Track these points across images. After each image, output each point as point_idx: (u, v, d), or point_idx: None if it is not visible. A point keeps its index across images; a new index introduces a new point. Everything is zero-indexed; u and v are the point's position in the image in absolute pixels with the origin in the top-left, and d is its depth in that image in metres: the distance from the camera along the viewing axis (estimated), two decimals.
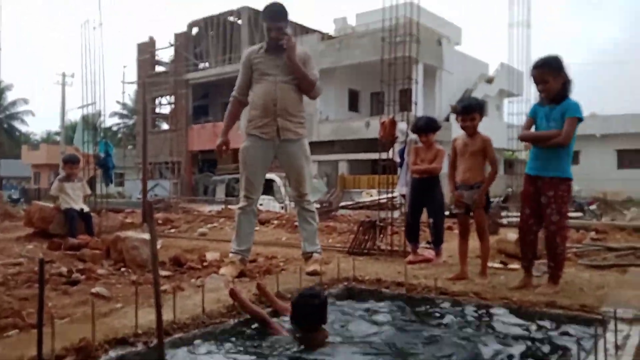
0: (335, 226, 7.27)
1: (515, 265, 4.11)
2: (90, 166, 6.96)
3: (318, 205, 10.95)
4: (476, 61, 28.20)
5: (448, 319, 2.96)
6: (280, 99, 3.97)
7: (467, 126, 3.80)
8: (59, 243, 4.80)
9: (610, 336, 2.29)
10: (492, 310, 3.05)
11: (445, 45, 24.53)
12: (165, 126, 33.20)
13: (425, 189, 4.34)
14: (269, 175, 16.63)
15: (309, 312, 2.49)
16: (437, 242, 4.37)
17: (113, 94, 52.18)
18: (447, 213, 4.78)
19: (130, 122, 46.56)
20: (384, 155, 5.14)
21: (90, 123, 7.17)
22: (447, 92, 24.02)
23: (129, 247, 4.37)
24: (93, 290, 3.25)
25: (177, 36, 30.94)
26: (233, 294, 2.89)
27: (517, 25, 17.07)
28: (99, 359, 2.14)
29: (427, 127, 4.34)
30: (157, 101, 32.60)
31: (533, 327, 2.77)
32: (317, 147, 23.05)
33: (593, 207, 18.91)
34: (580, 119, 3.30)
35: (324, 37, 26.41)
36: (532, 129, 3.52)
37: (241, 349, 2.42)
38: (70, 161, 6.17)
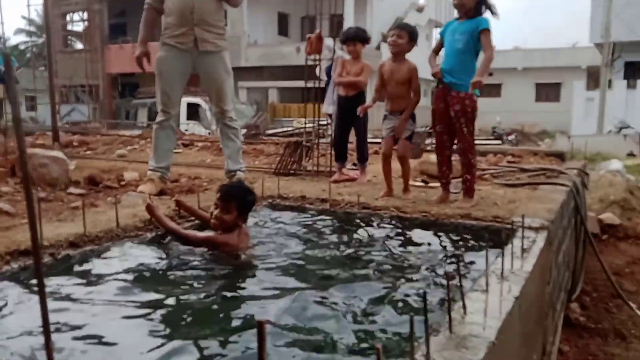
0: (262, 149, 7.15)
1: (435, 184, 4.24)
2: None
3: (244, 130, 10.73)
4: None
5: (368, 231, 3.02)
6: (197, 7, 3.70)
7: (394, 42, 3.73)
8: None
9: (517, 242, 2.41)
10: (411, 223, 3.14)
11: None
12: (79, 46, 30.70)
13: (351, 107, 4.30)
14: (194, 100, 16.12)
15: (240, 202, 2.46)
16: (361, 159, 4.39)
17: (17, 8, 47.10)
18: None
19: (40, 40, 42.62)
20: (312, 83, 4.98)
21: None
22: (378, 20, 23.77)
23: (36, 165, 4.06)
24: None
25: None
26: (149, 209, 2.77)
27: None
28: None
29: (355, 35, 4.23)
30: (68, 17, 29.85)
31: (448, 237, 2.89)
32: (246, 72, 22.35)
33: (511, 137, 20.00)
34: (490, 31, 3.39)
35: None
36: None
37: (156, 259, 2.34)
38: None
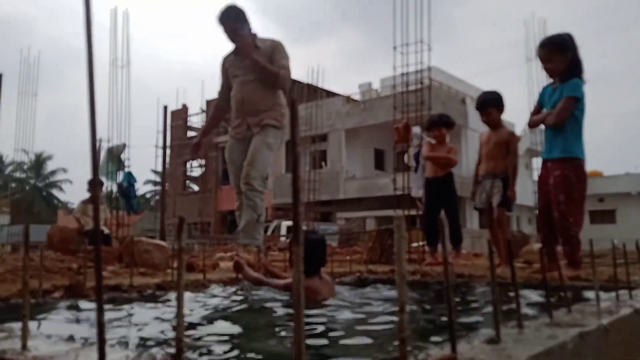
0: (355, 250, 7.10)
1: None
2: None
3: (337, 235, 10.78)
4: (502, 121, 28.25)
5: (459, 295, 2.78)
6: (246, 98, 4.00)
7: (486, 121, 3.82)
8: (75, 250, 4.81)
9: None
10: (508, 287, 2.86)
11: (469, 104, 24.80)
12: (197, 188, 33.84)
13: (439, 187, 4.24)
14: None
15: (306, 249, 2.31)
16: (455, 241, 4.18)
17: (146, 161, 53.88)
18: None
19: None
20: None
21: (115, 155, 7.37)
22: (473, 150, 23.90)
23: (141, 251, 4.32)
24: None
25: (208, 102, 32.18)
26: (237, 264, 2.82)
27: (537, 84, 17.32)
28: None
29: (440, 120, 4.31)
30: (188, 164, 33.48)
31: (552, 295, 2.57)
32: (344, 204, 23.02)
33: None
34: (576, 98, 3.14)
35: (349, 99, 27.08)
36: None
37: (236, 300, 2.32)
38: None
